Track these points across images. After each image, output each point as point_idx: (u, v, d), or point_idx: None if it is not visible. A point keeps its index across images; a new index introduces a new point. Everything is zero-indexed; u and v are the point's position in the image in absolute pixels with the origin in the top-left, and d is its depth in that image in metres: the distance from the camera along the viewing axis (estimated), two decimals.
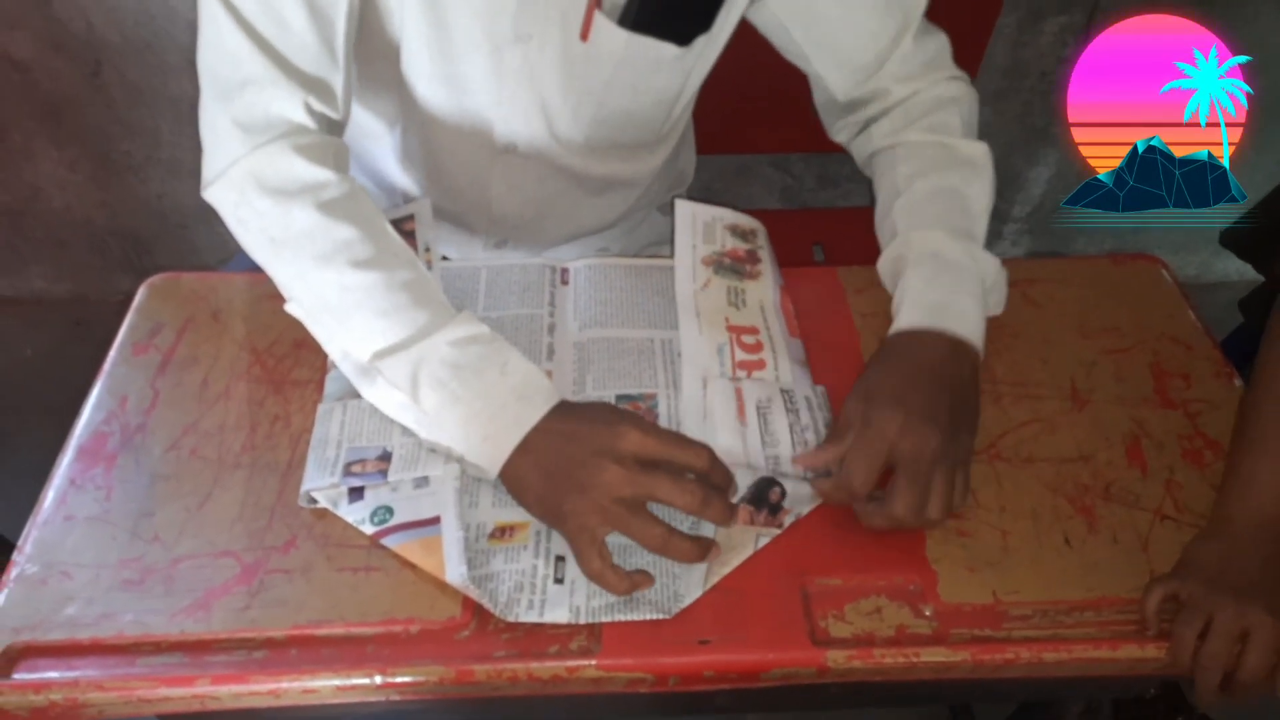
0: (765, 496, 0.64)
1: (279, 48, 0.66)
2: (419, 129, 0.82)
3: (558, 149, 0.82)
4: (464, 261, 0.83)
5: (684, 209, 0.82)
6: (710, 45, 0.79)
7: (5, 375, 1.70)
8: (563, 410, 0.63)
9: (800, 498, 0.65)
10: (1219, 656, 0.57)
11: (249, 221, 0.68)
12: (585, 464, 0.59)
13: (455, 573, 0.59)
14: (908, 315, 0.69)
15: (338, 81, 0.70)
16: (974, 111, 0.81)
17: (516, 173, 0.84)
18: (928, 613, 0.60)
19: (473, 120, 0.79)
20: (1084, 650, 0.58)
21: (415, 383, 0.63)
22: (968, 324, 0.68)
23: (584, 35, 0.72)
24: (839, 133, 0.86)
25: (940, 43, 0.80)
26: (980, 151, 0.77)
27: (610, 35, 0.72)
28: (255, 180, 0.66)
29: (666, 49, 0.74)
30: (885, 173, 0.79)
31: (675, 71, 0.79)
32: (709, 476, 0.61)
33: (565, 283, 0.81)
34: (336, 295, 0.65)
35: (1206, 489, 0.67)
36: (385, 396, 0.65)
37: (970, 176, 0.76)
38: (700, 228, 0.82)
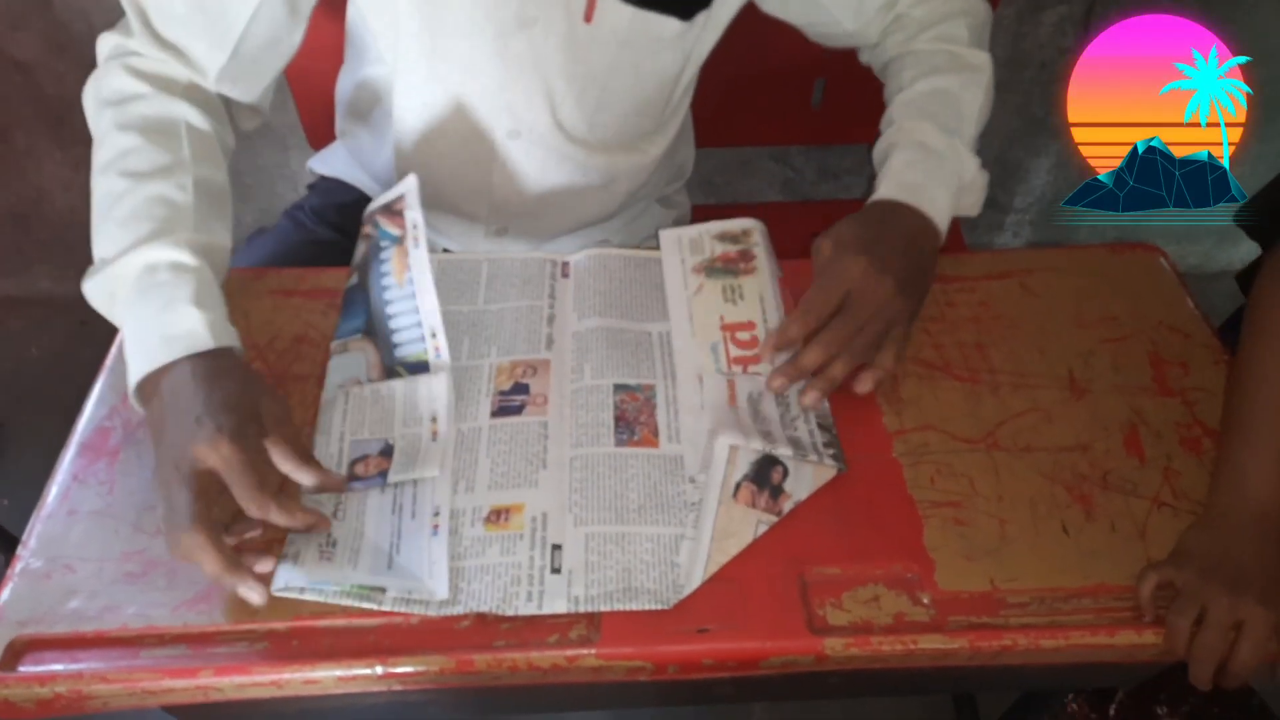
0: (767, 477, 0.64)
1: (151, 14, 0.72)
2: (420, 113, 0.82)
3: (560, 137, 0.82)
4: (466, 254, 0.84)
5: (668, 237, 0.83)
6: (710, 24, 0.80)
7: (11, 375, 1.71)
8: (193, 371, 0.61)
9: (800, 482, 0.65)
10: (1213, 648, 0.58)
11: (90, 123, 0.73)
12: (164, 453, 0.59)
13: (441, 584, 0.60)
14: (885, 189, 0.75)
15: (199, 50, 0.72)
16: (984, 24, 0.84)
17: (519, 159, 0.84)
18: (925, 601, 0.60)
19: (475, 105, 0.80)
20: (1081, 636, 0.59)
21: (112, 300, 0.66)
22: (935, 207, 0.74)
23: (588, 16, 0.73)
24: (863, 57, 0.91)
25: None
26: (983, 60, 0.81)
27: (615, 13, 0.73)
28: (94, 91, 0.73)
29: (669, 25, 0.76)
30: (894, 78, 0.84)
31: (676, 51, 0.80)
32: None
33: (566, 275, 0.81)
34: (101, 200, 0.69)
35: (1204, 477, 0.67)
36: (102, 312, 0.68)
37: (968, 82, 0.80)
38: (687, 244, 0.82)
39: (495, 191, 0.87)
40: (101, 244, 0.67)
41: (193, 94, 0.73)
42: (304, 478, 0.60)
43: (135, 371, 0.63)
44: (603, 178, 0.89)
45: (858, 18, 0.84)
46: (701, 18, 0.77)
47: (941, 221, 0.74)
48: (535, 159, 0.85)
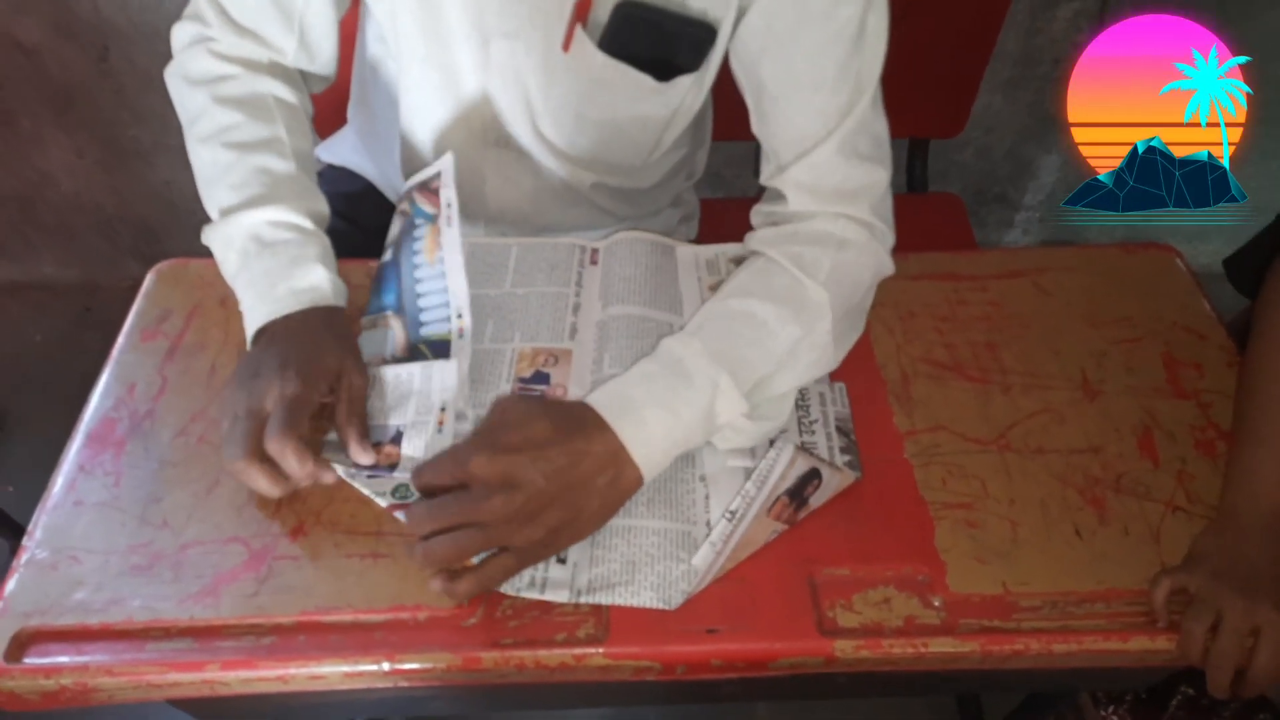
0: (803, 490, 0.63)
1: (227, 6, 0.76)
2: (419, 113, 0.82)
3: (544, 150, 0.82)
4: (495, 238, 0.84)
5: (684, 254, 0.82)
6: (698, 84, 0.77)
7: (16, 361, 1.71)
8: (307, 322, 0.68)
9: (823, 495, 0.64)
10: (1230, 655, 0.57)
11: (176, 101, 0.78)
12: (257, 374, 0.64)
13: None
14: (596, 394, 0.62)
15: (273, 33, 0.76)
16: (862, 265, 0.71)
17: (511, 167, 0.84)
18: (936, 603, 0.60)
19: (464, 109, 0.80)
20: (1094, 642, 0.58)
21: (228, 246, 0.71)
22: (639, 433, 0.60)
23: (565, 46, 0.71)
24: (751, 217, 0.77)
25: (870, 177, 0.71)
26: (822, 300, 0.67)
27: (589, 53, 0.72)
28: (181, 73, 0.77)
29: (645, 79, 0.73)
30: (741, 267, 0.73)
31: (657, 103, 0.77)
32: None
33: (594, 263, 0.81)
34: (209, 169, 0.73)
35: (1219, 480, 0.66)
36: (217, 256, 0.73)
37: (790, 319, 0.67)
38: (704, 264, 0.81)
39: (490, 199, 0.87)
40: (217, 201, 0.72)
41: (275, 71, 0.77)
42: (353, 450, 0.64)
43: (262, 315, 0.68)
44: (595, 194, 0.87)
45: (765, 142, 0.75)
46: (686, 79, 0.75)
47: (642, 452, 0.60)
48: (525, 169, 0.84)
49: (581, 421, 0.60)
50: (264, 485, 0.61)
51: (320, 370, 0.65)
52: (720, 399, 0.63)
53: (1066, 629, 0.58)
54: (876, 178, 0.71)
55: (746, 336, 0.66)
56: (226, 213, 0.71)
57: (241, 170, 0.72)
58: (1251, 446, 0.65)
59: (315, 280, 0.69)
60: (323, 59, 0.80)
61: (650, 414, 0.61)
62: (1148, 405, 0.71)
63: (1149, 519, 0.64)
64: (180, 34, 0.78)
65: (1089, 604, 0.60)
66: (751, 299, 0.68)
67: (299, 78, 0.80)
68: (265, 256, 0.69)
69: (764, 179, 0.76)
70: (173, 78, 0.77)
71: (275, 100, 0.76)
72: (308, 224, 0.72)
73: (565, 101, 0.77)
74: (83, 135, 1.57)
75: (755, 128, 0.75)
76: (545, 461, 0.57)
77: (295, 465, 0.61)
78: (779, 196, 0.74)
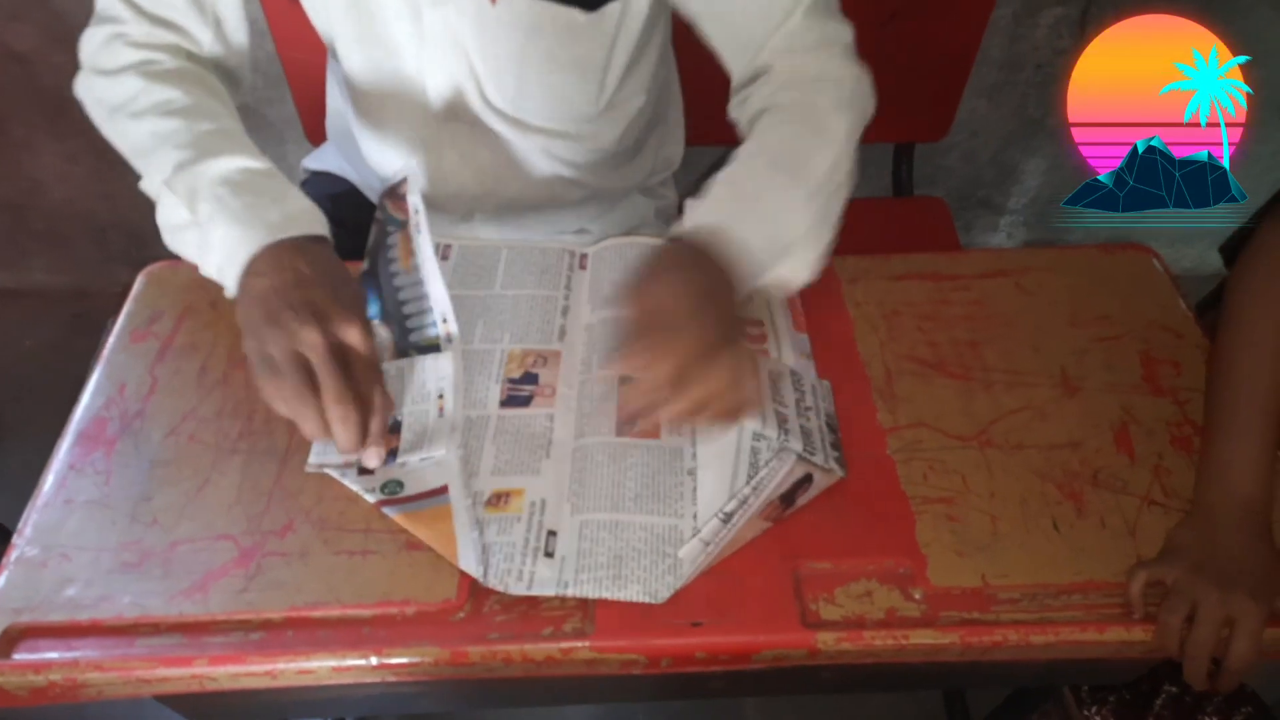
0: (794, 494, 0.64)
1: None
2: (367, 103, 0.83)
3: (494, 117, 0.82)
4: (485, 240, 0.85)
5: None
6: (630, 14, 0.77)
7: (6, 367, 1.71)
8: (312, 252, 0.66)
9: (810, 495, 0.65)
10: (1206, 644, 0.58)
11: (93, 102, 0.75)
12: (270, 312, 0.63)
13: (468, 539, 0.61)
14: (691, 221, 0.67)
15: (189, 23, 0.76)
16: (859, 95, 0.73)
17: (465, 141, 0.84)
18: (917, 596, 0.61)
19: (406, 86, 0.80)
20: (1071, 633, 0.59)
21: (194, 195, 0.68)
22: (743, 249, 0.65)
23: (493, 0, 0.72)
24: (732, 111, 0.79)
25: (839, 31, 0.75)
26: (840, 129, 0.71)
27: (515, 1, 0.72)
28: (97, 71, 0.75)
29: (574, 15, 0.74)
30: (750, 131, 0.75)
31: (593, 41, 0.77)
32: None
33: (583, 267, 0.82)
34: (149, 140, 0.71)
35: (1194, 474, 0.67)
36: (171, 215, 0.71)
37: (822, 145, 0.70)
38: None
39: (449, 177, 0.87)
40: (168, 160, 0.69)
41: (196, 59, 0.77)
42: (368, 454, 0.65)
43: (255, 242, 0.65)
44: (553, 162, 0.87)
45: (732, 43, 0.77)
46: (614, 8, 0.75)
47: (746, 268, 0.64)
48: (480, 141, 0.84)
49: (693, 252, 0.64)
50: (317, 429, 0.61)
51: (356, 298, 0.67)
52: (790, 209, 0.68)
53: (1045, 620, 0.59)
54: (844, 32, 0.75)
55: (792, 157, 0.70)
56: (182, 166, 0.68)
57: (189, 133, 0.70)
58: (1223, 439, 0.66)
59: (306, 205, 0.69)
60: (237, 52, 0.80)
61: (746, 232, 0.65)
62: (1125, 402, 0.72)
63: (1125, 513, 0.65)
64: (91, 38, 0.76)
65: (1067, 596, 0.61)
66: (784, 128, 0.71)
67: (220, 68, 0.79)
68: (243, 193, 0.67)
69: (740, 79, 0.77)
70: (87, 78, 0.75)
71: (204, 77, 0.76)
72: (273, 168, 0.71)
73: (505, 59, 0.77)
74: (74, 142, 1.57)
75: (716, 42, 0.76)
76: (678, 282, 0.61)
77: (351, 437, 0.62)
78: (758, 75, 0.75)
